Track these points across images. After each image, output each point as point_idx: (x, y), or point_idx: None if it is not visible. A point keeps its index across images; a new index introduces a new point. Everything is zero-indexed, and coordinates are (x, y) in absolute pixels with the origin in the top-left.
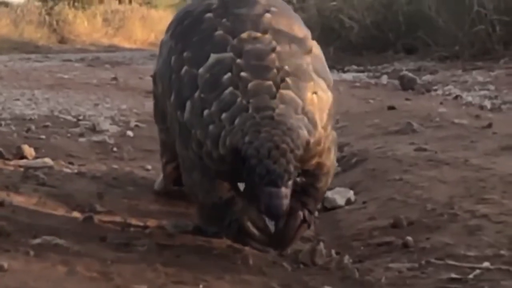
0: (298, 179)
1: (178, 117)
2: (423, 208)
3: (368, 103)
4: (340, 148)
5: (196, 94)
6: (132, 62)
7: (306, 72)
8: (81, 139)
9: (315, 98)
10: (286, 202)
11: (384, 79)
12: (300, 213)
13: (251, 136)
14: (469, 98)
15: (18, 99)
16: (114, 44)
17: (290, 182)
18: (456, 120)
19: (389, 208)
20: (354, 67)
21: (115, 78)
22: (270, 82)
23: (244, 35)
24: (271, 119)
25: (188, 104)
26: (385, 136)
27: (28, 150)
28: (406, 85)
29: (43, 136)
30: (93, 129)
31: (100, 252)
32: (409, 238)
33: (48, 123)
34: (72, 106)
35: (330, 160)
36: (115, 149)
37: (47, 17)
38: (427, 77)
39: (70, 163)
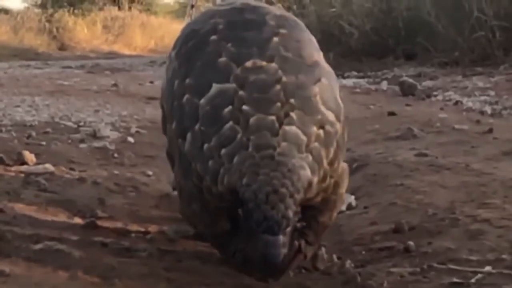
0: (299, 225)
1: (179, 145)
2: (424, 213)
3: (368, 109)
4: None
5: (197, 127)
6: (132, 68)
7: (313, 105)
8: (82, 145)
9: (322, 133)
10: (283, 251)
11: (384, 85)
12: (296, 243)
13: (249, 178)
14: (470, 104)
15: (18, 106)
16: (114, 50)
17: (288, 229)
18: (457, 126)
19: (390, 213)
20: (354, 73)
21: (115, 85)
22: (273, 118)
23: (248, 64)
24: (271, 159)
25: (189, 135)
26: (385, 141)
27: (29, 156)
28: (406, 91)
29: (44, 142)
30: (94, 135)
31: (101, 257)
32: (411, 242)
33: (48, 129)
34: (73, 113)
35: (338, 194)
36: (116, 155)
37: (47, 24)
38: (427, 83)
39: (71, 169)
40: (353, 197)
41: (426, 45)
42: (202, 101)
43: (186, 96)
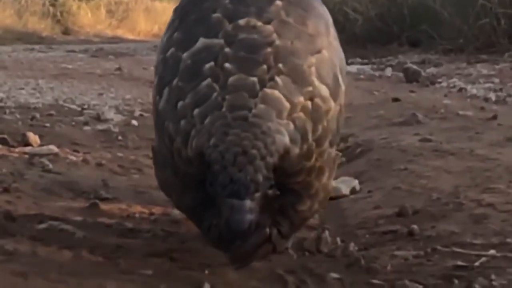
0: (271, 192)
1: (156, 102)
2: (428, 197)
3: (372, 95)
4: (344, 138)
5: (175, 82)
6: (136, 53)
7: (304, 74)
8: (86, 128)
9: (310, 105)
10: (250, 217)
11: (389, 71)
12: (267, 231)
13: (217, 139)
14: (474, 91)
15: (22, 88)
16: (118, 35)
17: (257, 195)
18: (461, 112)
19: (394, 197)
20: (358, 59)
21: (119, 69)
22: (255, 79)
23: (242, 22)
24: (243, 120)
25: (166, 91)
26: (389, 127)
27: (33, 138)
28: (411, 77)
29: (48, 124)
30: (98, 118)
31: (105, 238)
32: (415, 226)
33: (52, 112)
34: (77, 96)
35: (321, 182)
36: (119, 137)
37: (51, 8)
38: (432, 70)
39: (75, 150)
40: (357, 181)
41: (430, 32)
42: (185, 54)
43: (171, 50)
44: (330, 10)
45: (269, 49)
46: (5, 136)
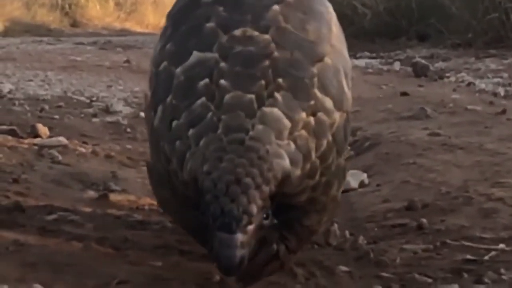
0: (267, 222)
1: (151, 118)
2: (437, 191)
3: (380, 89)
4: (353, 132)
5: (169, 99)
6: (144, 46)
7: (306, 88)
8: (95, 120)
9: (312, 121)
10: (241, 252)
11: (397, 65)
12: (274, 247)
13: (210, 165)
14: (482, 85)
15: (31, 80)
16: (126, 28)
17: (251, 227)
18: (470, 107)
19: (403, 191)
20: (367, 53)
21: (127, 61)
22: (252, 96)
23: (237, 32)
24: (240, 144)
25: (160, 109)
26: (398, 121)
27: (42, 129)
28: (419, 71)
29: (57, 116)
30: (107, 110)
31: (114, 229)
32: (424, 220)
33: (61, 104)
34: (85, 88)
35: (329, 196)
36: (128, 129)
37: (59, 1)
38: (440, 64)
39: (84, 142)
40: (365, 174)
41: (439, 27)
42: (178, 70)
43: (164, 64)
44: (339, 4)
45: (267, 62)
46: (15, 127)
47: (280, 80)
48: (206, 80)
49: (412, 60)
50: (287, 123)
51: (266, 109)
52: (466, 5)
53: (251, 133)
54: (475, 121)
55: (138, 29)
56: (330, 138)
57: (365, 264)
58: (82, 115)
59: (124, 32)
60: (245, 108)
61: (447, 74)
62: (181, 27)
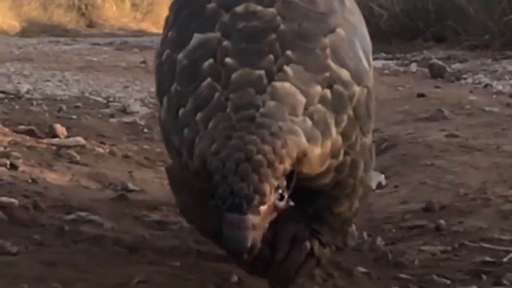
0: (283, 204)
1: (160, 115)
2: (455, 193)
3: (397, 90)
4: None
5: (173, 87)
6: None
7: (318, 59)
8: (112, 120)
9: (329, 94)
10: (253, 235)
11: (413, 67)
12: (307, 244)
13: (219, 144)
14: (500, 87)
15: (48, 80)
16: (142, 29)
17: (263, 208)
18: (487, 108)
19: (421, 192)
20: (383, 54)
21: (144, 62)
22: (261, 72)
23: (239, 9)
24: (250, 121)
25: (165, 100)
26: (415, 122)
27: (60, 129)
28: (436, 73)
29: (74, 116)
30: (124, 111)
31: (133, 229)
32: (442, 221)
33: (79, 104)
34: (102, 88)
35: (357, 177)
36: (145, 130)
37: (76, 1)
38: (457, 66)
39: (102, 142)
40: (383, 176)
41: (456, 28)
42: (180, 55)
43: (166, 52)
44: None
45: (273, 36)
46: (33, 127)
47: (289, 52)
48: (211, 60)
49: (429, 62)
50: (301, 97)
51: (277, 84)
52: (483, 6)
53: (262, 109)
54: (492, 123)
55: (154, 29)
56: (351, 112)
57: (383, 265)
58: (100, 116)
59: (140, 33)
60: (255, 85)
61: (464, 76)
62: (182, 13)
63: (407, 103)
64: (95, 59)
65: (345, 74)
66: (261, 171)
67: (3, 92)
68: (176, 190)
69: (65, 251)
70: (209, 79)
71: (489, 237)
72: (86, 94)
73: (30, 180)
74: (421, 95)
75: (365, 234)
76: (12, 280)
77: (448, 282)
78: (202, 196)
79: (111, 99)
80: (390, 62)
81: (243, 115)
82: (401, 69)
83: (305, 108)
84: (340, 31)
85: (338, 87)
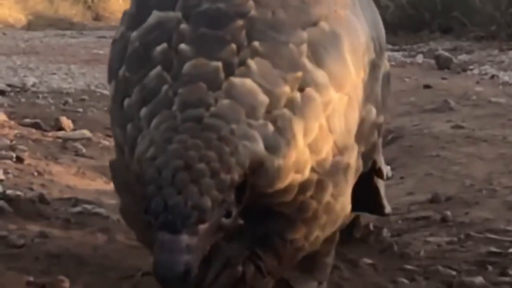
0: (229, 222)
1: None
2: (461, 184)
3: (403, 82)
4: None
5: (121, 72)
6: None
7: (291, 55)
8: None
9: (299, 97)
10: (187, 259)
11: (420, 58)
12: (239, 269)
13: (157, 148)
14: (506, 78)
15: (54, 73)
16: None
17: (203, 227)
18: (493, 99)
19: (427, 184)
20: (389, 46)
21: None
22: (218, 64)
23: None
24: (196, 122)
25: (113, 85)
26: (421, 113)
27: (66, 122)
28: (442, 64)
29: (80, 109)
30: None
31: None
32: (448, 212)
33: (85, 97)
34: None
35: (322, 201)
36: None
37: None
38: (463, 57)
39: (108, 135)
40: (389, 167)
41: (462, 19)
42: (134, 33)
43: (121, 29)
44: None
45: (240, 22)
46: (39, 120)
47: (256, 44)
48: (164, 45)
49: (435, 53)
50: (263, 98)
51: (235, 80)
52: None
53: (212, 108)
54: (498, 114)
55: None
56: (324, 122)
57: (389, 256)
58: (105, 108)
59: None
60: (208, 79)
61: (470, 67)
62: None
63: (413, 94)
64: (101, 52)
65: (322, 76)
66: (202, 182)
67: (9, 85)
68: (119, 190)
69: (70, 244)
70: (159, 68)
71: (495, 228)
72: (92, 87)
73: (36, 173)
74: (427, 86)
75: (371, 225)
76: (18, 272)
77: (454, 273)
78: (141, 200)
79: None
80: (396, 53)
81: (189, 115)
82: (408, 60)
83: (268, 111)
84: (324, 25)
85: (311, 90)
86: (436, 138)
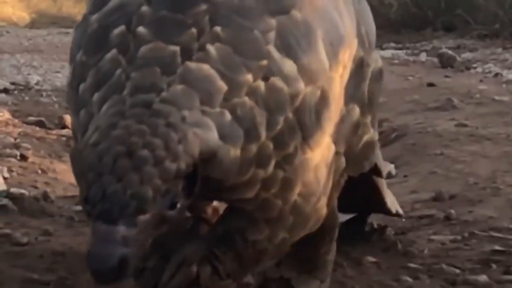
0: (174, 214)
1: None
2: (465, 182)
3: (407, 80)
4: (379, 123)
5: (79, 55)
6: None
7: (256, 43)
8: None
9: (263, 87)
10: (123, 252)
11: (423, 56)
12: (193, 270)
13: (101, 133)
14: (510, 76)
15: (58, 72)
16: None
17: (143, 218)
18: (497, 97)
19: (431, 182)
20: (393, 44)
21: None
22: (176, 48)
23: None
24: (145, 107)
25: (70, 69)
26: (424, 112)
27: (70, 120)
28: (445, 62)
29: None
30: None
31: None
32: (452, 211)
33: None
34: None
35: (288, 200)
36: None
37: None
38: (467, 55)
39: None
40: (392, 165)
41: (465, 17)
42: (94, 16)
43: (85, 12)
44: None
45: (203, 7)
46: (43, 118)
47: (217, 29)
48: (122, 27)
49: (438, 51)
50: (221, 84)
51: (191, 65)
52: None
53: (164, 93)
54: (502, 112)
55: None
56: (290, 115)
57: (393, 255)
58: None
59: None
60: (164, 63)
61: (474, 65)
62: None
63: (417, 92)
64: None
65: (289, 66)
66: (144, 170)
67: (13, 83)
68: (77, 180)
69: (74, 241)
70: (114, 51)
71: (499, 226)
72: None
73: (39, 171)
74: (430, 85)
75: (374, 223)
76: (22, 270)
77: (458, 271)
78: None
79: None
80: (399, 51)
81: (138, 100)
82: (411, 58)
83: (226, 99)
84: (295, 13)
85: (276, 80)
86: (440, 136)
